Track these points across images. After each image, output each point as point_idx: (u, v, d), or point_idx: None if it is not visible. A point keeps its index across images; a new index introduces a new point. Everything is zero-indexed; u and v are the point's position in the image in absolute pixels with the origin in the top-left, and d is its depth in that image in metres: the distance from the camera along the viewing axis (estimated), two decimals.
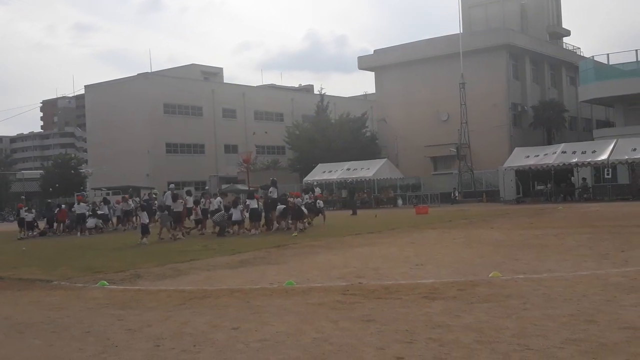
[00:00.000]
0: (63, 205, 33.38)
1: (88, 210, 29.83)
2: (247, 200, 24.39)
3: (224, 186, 57.36)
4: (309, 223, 25.47)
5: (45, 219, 31.93)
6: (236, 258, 15.22)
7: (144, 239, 21.10)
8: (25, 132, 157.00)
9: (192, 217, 25.55)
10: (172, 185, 28.09)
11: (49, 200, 45.42)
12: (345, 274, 11.47)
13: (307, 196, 26.29)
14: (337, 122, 58.56)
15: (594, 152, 38.27)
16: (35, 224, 30.49)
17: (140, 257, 16.42)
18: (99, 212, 30.53)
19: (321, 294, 9.50)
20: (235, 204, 24.04)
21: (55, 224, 31.01)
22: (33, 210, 32.63)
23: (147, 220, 22.09)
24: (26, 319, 8.86)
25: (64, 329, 7.97)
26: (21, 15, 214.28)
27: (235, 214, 23.51)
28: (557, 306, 7.75)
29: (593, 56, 50.60)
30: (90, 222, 29.13)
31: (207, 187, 50.05)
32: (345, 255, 14.83)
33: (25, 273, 14.28)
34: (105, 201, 33.25)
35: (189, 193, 25.97)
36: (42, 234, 29.88)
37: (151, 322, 8.08)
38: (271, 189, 24.05)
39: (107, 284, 11.70)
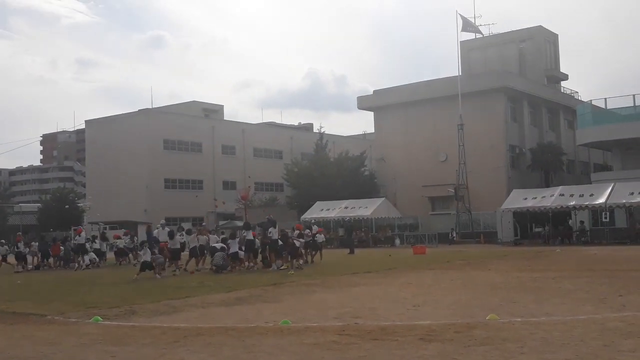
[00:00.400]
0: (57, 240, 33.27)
1: (89, 241, 29.81)
2: (243, 231, 24.35)
3: (221, 222, 57.25)
4: (308, 261, 25.41)
5: (40, 253, 31.67)
6: (232, 295, 15.14)
7: (140, 275, 21.08)
8: (25, 165, 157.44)
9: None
10: (162, 221, 28.09)
11: (43, 234, 45.28)
12: (341, 314, 11.40)
13: (304, 232, 26.19)
14: (336, 160, 58.76)
15: (591, 195, 38.31)
16: (25, 257, 30.12)
17: (135, 293, 16.32)
18: (93, 247, 30.46)
19: (317, 333, 9.43)
20: (233, 236, 24.01)
21: (50, 258, 30.87)
22: (33, 244, 32.46)
23: (150, 258, 21.99)
24: (18, 353, 8.78)
25: None
26: (23, 50, 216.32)
27: (233, 247, 23.45)
28: (554, 350, 7.70)
29: (591, 100, 51.02)
30: (86, 259, 29.05)
31: (204, 224, 49.99)
32: (341, 295, 14.76)
33: (19, 307, 14.18)
34: (103, 237, 33.05)
35: (189, 232, 25.98)
36: (37, 267, 29.70)
37: (145, 359, 8.00)
38: (270, 229, 23.89)
39: (101, 319, 11.61)
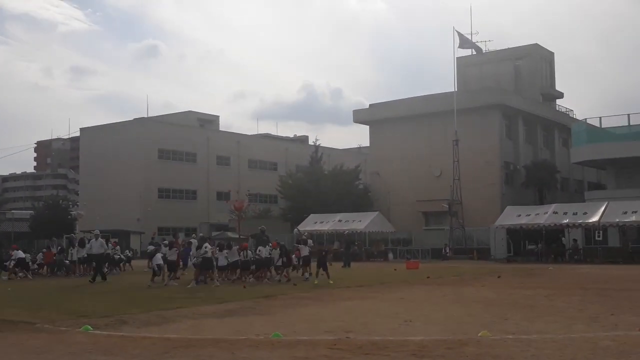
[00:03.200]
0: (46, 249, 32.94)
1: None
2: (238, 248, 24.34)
3: (214, 233, 57.07)
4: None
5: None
6: (223, 307, 15.06)
7: (154, 280, 21.68)
8: (18, 171, 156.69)
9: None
10: (96, 231, 27.34)
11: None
12: (333, 328, 11.35)
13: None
14: (331, 173, 58.80)
15: (585, 213, 38.42)
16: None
17: (126, 303, 16.21)
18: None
19: (308, 347, 9.37)
20: (221, 249, 23.92)
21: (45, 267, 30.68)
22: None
23: (160, 262, 22.26)
24: None
25: None
26: (19, 56, 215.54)
27: (221, 260, 23.39)
28: None
29: (586, 119, 51.29)
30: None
31: (201, 234, 49.76)
32: (334, 308, 14.71)
33: (8, 314, 14.05)
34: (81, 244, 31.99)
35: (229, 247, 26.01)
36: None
37: None
38: (260, 248, 23.93)
39: (92, 328, 11.52)
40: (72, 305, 15.66)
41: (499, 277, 24.47)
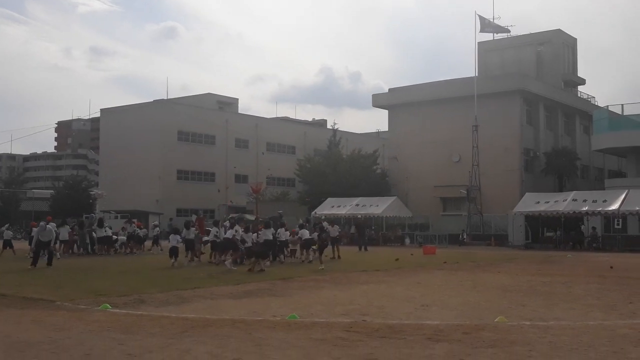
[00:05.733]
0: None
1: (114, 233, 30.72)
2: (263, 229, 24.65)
3: (232, 215, 57.33)
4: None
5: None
6: (240, 288, 15.17)
7: (175, 262, 21.95)
8: (39, 151, 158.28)
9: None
10: (46, 219, 26.76)
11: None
12: (349, 311, 11.39)
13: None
14: (349, 157, 58.74)
15: (604, 201, 38.06)
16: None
17: (145, 282, 16.39)
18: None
19: (324, 329, 9.42)
20: (247, 230, 24.12)
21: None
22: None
23: (176, 244, 22.62)
24: (27, 338, 8.82)
25: (64, 351, 7.92)
26: (38, 36, 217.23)
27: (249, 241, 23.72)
28: (563, 355, 7.65)
29: (607, 106, 50.72)
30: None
31: (226, 216, 49.86)
32: (350, 292, 14.75)
33: (29, 292, 14.26)
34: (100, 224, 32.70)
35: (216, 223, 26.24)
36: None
37: (152, 348, 8.02)
38: (279, 230, 24.35)
39: (110, 307, 11.67)
40: (92, 284, 15.84)
41: (611, 267, 22.39)
